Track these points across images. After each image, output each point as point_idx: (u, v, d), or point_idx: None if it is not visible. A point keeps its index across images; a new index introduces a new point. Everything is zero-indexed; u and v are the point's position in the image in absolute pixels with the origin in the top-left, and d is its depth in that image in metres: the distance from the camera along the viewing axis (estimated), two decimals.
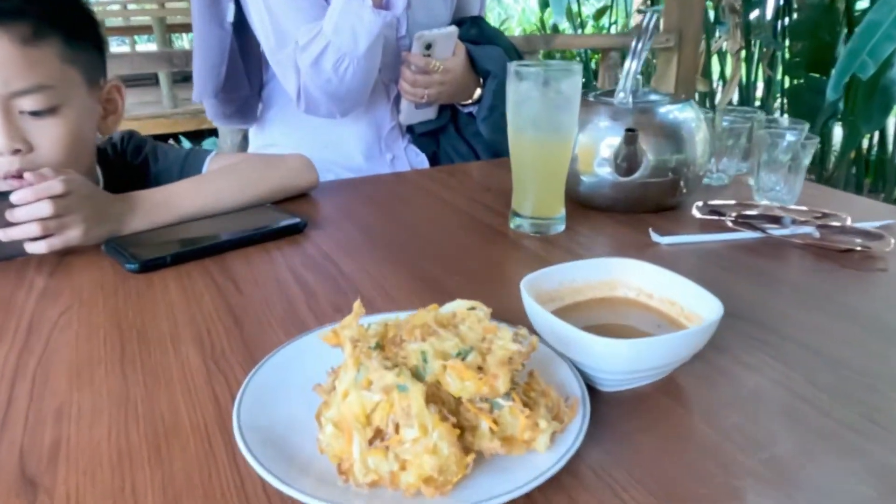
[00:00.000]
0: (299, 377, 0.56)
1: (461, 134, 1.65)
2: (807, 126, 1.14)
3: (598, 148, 0.99)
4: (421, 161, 1.53)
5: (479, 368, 0.47)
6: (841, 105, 3.48)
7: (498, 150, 1.60)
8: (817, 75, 3.55)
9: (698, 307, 0.62)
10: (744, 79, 4.09)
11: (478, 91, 1.53)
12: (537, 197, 0.94)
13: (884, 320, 0.71)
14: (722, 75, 4.65)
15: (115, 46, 5.34)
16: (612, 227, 0.98)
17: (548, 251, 0.89)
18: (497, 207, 1.06)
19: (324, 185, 1.18)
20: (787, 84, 3.97)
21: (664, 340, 0.54)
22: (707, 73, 4.17)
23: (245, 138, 1.90)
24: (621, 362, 0.55)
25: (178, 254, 0.84)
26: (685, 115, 1.01)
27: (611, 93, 1.03)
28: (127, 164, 1.13)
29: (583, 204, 1.04)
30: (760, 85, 4.34)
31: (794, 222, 0.93)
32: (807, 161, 1.05)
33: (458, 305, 0.54)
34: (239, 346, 0.66)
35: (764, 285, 0.80)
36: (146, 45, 7.56)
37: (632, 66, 0.98)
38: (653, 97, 1.05)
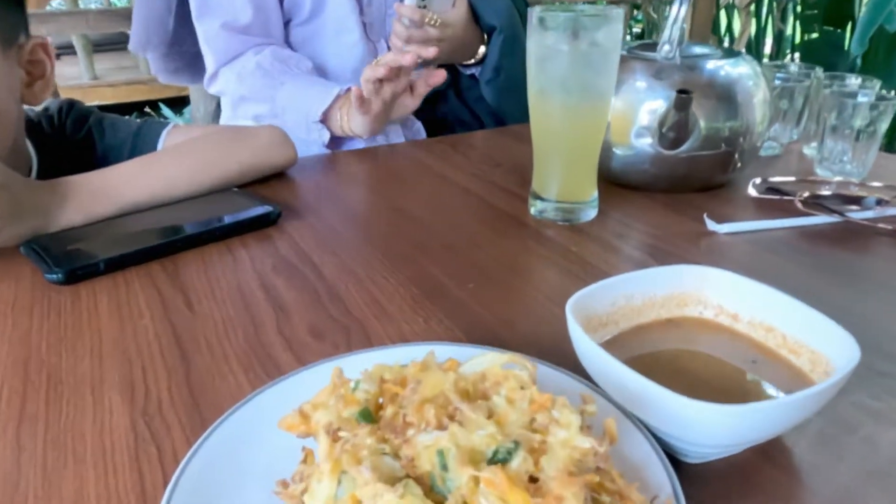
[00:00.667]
0: (260, 458, 0.39)
1: (462, 99, 1.46)
2: (878, 84, 0.96)
3: (637, 114, 0.81)
4: (417, 130, 1.34)
5: (532, 480, 0.29)
6: (859, 61, 3.27)
7: (504, 116, 1.42)
8: (832, 28, 3.34)
9: (807, 335, 0.45)
10: (752, 33, 3.87)
11: (481, 49, 1.33)
12: (565, 177, 0.77)
13: None
14: (729, 29, 4.42)
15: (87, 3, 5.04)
16: (654, 211, 0.81)
17: (580, 245, 0.72)
18: (511, 187, 0.88)
19: (303, 161, 0.99)
20: (798, 38, 3.75)
21: (789, 403, 0.37)
22: (715, 29, 3.95)
23: (219, 105, 1.70)
24: (724, 433, 0.39)
25: (114, 258, 0.66)
26: (740, 70, 0.83)
27: (649, 45, 0.85)
28: (67, 141, 0.94)
29: (614, 182, 0.87)
30: (768, 41, 4.12)
31: (879, 203, 0.76)
32: (884, 126, 0.87)
33: (490, 362, 0.36)
34: (182, 393, 0.48)
35: (866, 291, 0.63)
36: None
37: (680, 10, 0.79)
38: (698, 50, 0.87)
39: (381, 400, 0.38)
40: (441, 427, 0.31)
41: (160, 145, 0.92)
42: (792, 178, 0.86)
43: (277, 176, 0.93)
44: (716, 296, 0.51)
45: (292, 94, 1.12)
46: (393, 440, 0.32)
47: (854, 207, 0.77)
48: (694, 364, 0.47)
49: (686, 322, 0.51)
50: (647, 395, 0.39)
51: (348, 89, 1.08)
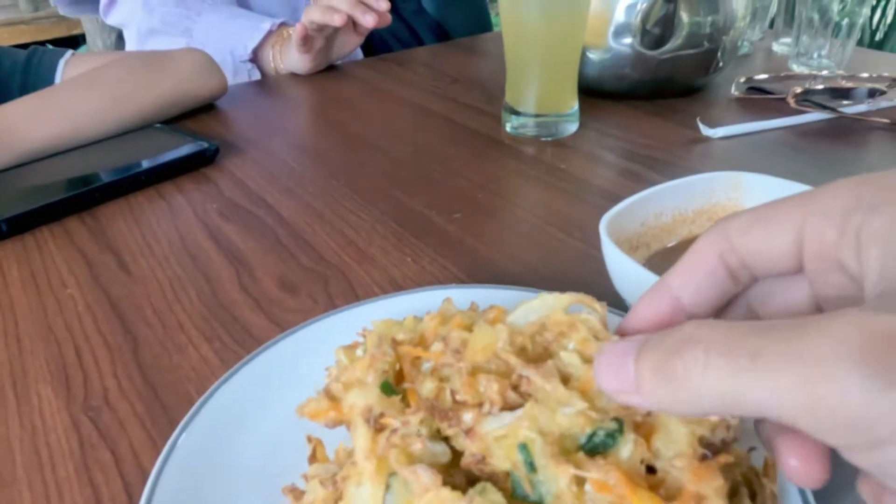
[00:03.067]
0: (252, 453, 0.31)
1: (398, 14, 1.33)
2: None
3: (613, 11, 0.72)
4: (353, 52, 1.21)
5: (649, 470, 0.22)
6: None
7: (447, 28, 1.30)
8: None
9: None
10: None
11: None
12: (544, 87, 0.68)
13: None
14: None
15: None
16: (638, 119, 0.74)
17: (567, 162, 0.64)
18: (475, 104, 0.79)
19: (233, 90, 0.87)
20: None
21: None
22: None
23: (121, 37, 1.50)
24: None
25: (20, 216, 0.54)
26: None
27: None
28: None
29: (589, 91, 0.79)
30: None
31: (871, 95, 0.71)
32: (862, 17, 0.82)
33: (546, 306, 0.27)
34: (133, 377, 0.39)
35: None
36: None
37: None
38: None
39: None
40: (509, 406, 0.23)
41: (58, 78, 0.78)
42: (772, 76, 0.80)
43: (205, 108, 0.80)
44: (753, 203, 0.44)
45: (213, 28, 0.97)
46: (445, 428, 0.24)
47: (846, 102, 0.72)
48: None
49: None
50: None
51: (280, 24, 0.94)
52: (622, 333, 0.24)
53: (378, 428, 0.23)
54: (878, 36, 3.02)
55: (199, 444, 0.31)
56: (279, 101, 0.85)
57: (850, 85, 0.73)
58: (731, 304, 0.23)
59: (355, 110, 0.80)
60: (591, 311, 0.27)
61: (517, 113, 0.69)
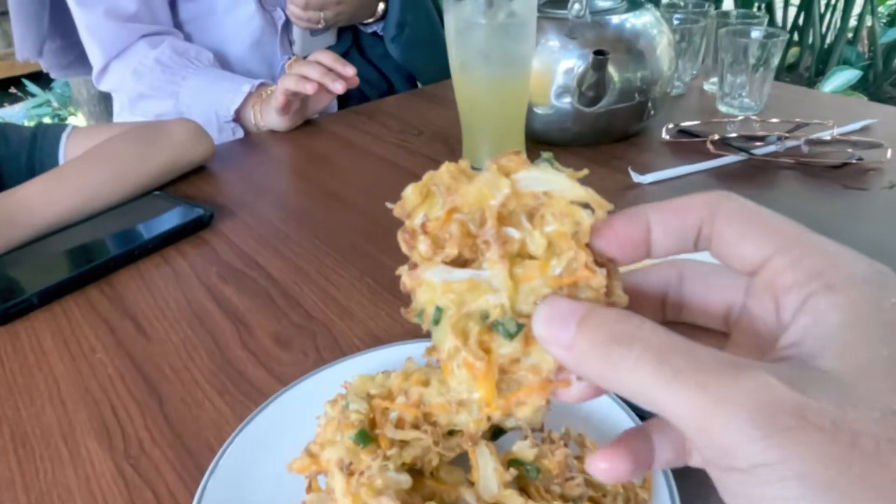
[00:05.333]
0: (265, 488, 0.40)
1: (367, 58, 1.43)
2: (766, 19, 1.02)
3: (554, 74, 0.83)
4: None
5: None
6: None
7: (414, 72, 1.40)
8: None
9: None
10: None
11: (381, 5, 1.31)
12: (494, 145, 0.78)
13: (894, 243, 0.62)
14: None
15: None
16: (581, 166, 0.84)
17: None
18: (439, 157, 0.89)
19: (221, 149, 0.96)
20: None
21: None
22: None
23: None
24: None
25: (49, 289, 0.63)
26: (644, 21, 0.86)
27: (558, 2, 0.86)
28: None
29: (539, 140, 0.89)
30: None
31: (780, 138, 0.82)
32: (776, 61, 0.93)
33: (559, 186, 0.25)
34: (162, 428, 0.48)
35: None
36: None
37: None
38: (604, 4, 0.89)
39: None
40: (458, 261, 0.25)
41: (61, 152, 0.86)
42: (698, 122, 0.91)
43: (196, 170, 0.89)
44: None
45: (198, 91, 1.06)
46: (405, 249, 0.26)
47: (758, 143, 0.83)
48: None
49: None
50: None
51: (259, 84, 1.03)
52: (594, 241, 0.24)
53: (350, 472, 0.33)
54: (829, 39, 3.18)
55: (223, 484, 0.40)
56: (263, 159, 0.95)
57: (761, 131, 0.85)
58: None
59: (332, 167, 0.90)
60: (591, 212, 0.25)
61: (474, 168, 0.79)
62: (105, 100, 1.54)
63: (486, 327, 0.24)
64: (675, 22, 1.03)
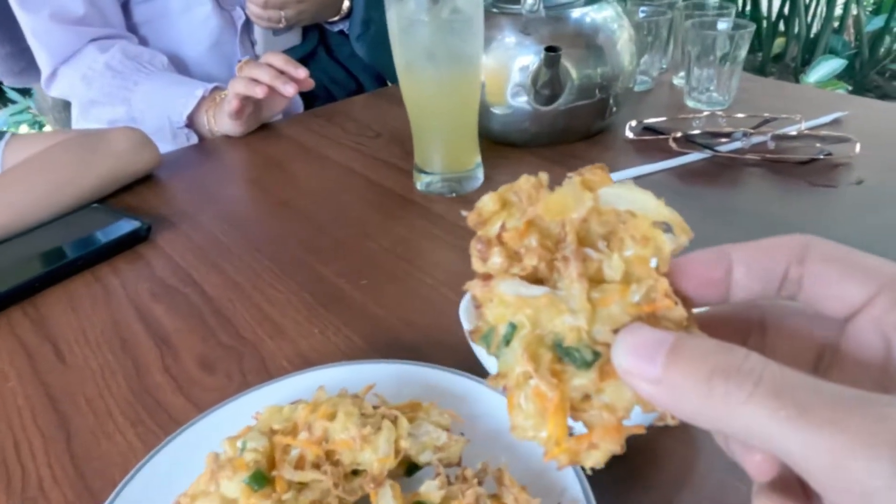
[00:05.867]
0: None
1: (334, 58, 1.40)
2: (734, 10, 0.98)
3: (510, 72, 0.79)
4: (294, 102, 1.27)
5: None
6: None
7: (381, 70, 1.37)
8: None
9: None
10: None
11: (345, 3, 1.27)
12: (447, 148, 0.75)
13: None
14: None
15: None
16: (540, 168, 0.79)
17: None
18: (394, 160, 0.86)
19: (169, 157, 0.92)
20: None
21: None
22: None
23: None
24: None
25: None
26: (604, 15, 0.83)
27: None
28: None
29: (497, 141, 0.86)
30: None
31: (745, 135, 0.79)
32: (743, 53, 0.90)
33: (644, 206, 0.24)
34: (65, 466, 0.45)
35: (732, 221, 0.66)
36: None
37: None
38: None
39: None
40: (536, 278, 0.23)
41: None
42: (664, 119, 0.88)
43: (143, 179, 0.85)
44: None
45: (150, 96, 1.02)
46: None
47: (723, 140, 0.80)
48: None
49: None
50: None
51: (213, 88, 1.00)
52: (668, 273, 0.23)
53: None
54: (815, 28, 3.15)
55: None
56: (214, 166, 0.91)
57: (726, 127, 0.81)
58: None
59: (284, 173, 0.86)
60: (674, 238, 0.24)
61: (425, 172, 0.76)
62: (69, 107, 1.50)
63: (558, 356, 0.22)
64: (641, 14, 0.99)
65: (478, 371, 0.44)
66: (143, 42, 1.16)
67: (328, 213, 0.74)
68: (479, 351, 0.43)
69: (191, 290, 0.63)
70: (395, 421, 0.37)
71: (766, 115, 0.84)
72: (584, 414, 0.22)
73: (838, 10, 3.03)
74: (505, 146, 0.85)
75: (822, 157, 0.76)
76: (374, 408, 0.38)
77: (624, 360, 0.20)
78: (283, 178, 0.85)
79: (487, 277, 0.23)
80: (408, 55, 0.69)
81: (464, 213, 0.25)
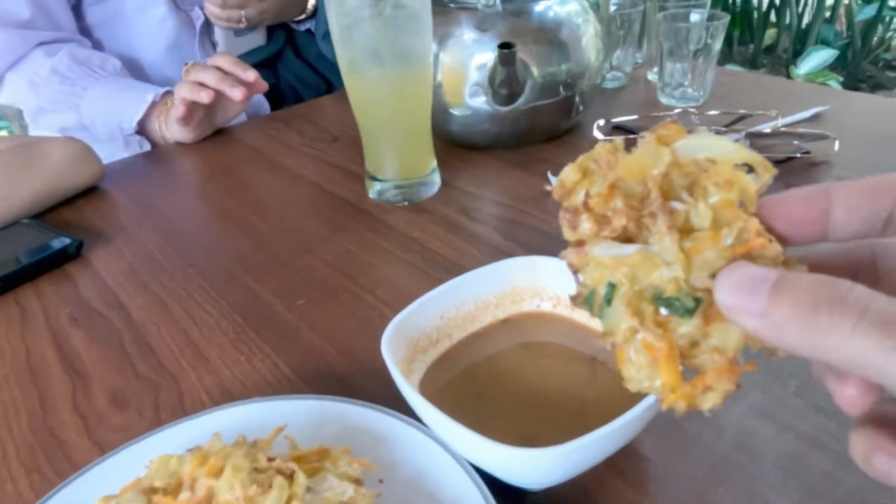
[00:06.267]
0: None
1: (302, 58, 1.35)
2: (708, 2, 0.94)
3: (467, 71, 0.75)
4: (259, 104, 1.22)
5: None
6: None
7: None
8: None
9: None
10: None
11: (311, 0, 1.22)
12: (398, 154, 0.70)
13: None
14: None
15: None
16: (500, 172, 0.76)
17: (422, 229, 0.66)
18: (349, 165, 0.81)
19: (114, 167, 0.88)
20: None
21: (617, 429, 0.33)
22: None
23: None
24: (555, 471, 0.35)
25: None
26: (568, 9, 0.78)
27: None
28: None
29: (457, 144, 0.81)
30: None
31: (718, 133, 0.74)
32: (718, 46, 0.85)
33: (722, 152, 0.24)
34: None
35: None
36: None
37: None
38: None
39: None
40: (626, 237, 0.24)
41: None
42: (635, 117, 0.83)
43: (86, 191, 0.81)
44: (552, 285, 0.46)
45: (100, 103, 0.97)
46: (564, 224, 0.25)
47: None
48: (532, 369, 0.43)
49: (524, 319, 0.47)
50: (474, 444, 0.34)
51: (165, 93, 0.95)
52: (761, 214, 0.23)
53: None
54: (807, 19, 3.10)
55: None
56: (160, 176, 0.86)
57: (698, 125, 0.76)
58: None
59: (231, 182, 0.81)
60: (757, 176, 0.24)
61: (377, 179, 0.71)
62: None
63: (660, 309, 0.23)
64: (613, 7, 0.95)
65: (405, 407, 0.39)
66: (98, 45, 1.11)
67: (270, 226, 0.70)
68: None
69: (115, 313, 0.58)
70: (291, 476, 0.32)
71: (741, 111, 0.80)
72: (695, 360, 0.23)
73: (829, 0, 2.98)
74: (465, 149, 0.80)
75: (799, 155, 0.71)
76: (269, 460, 0.33)
77: (728, 298, 0.21)
78: (229, 188, 0.80)
79: (580, 244, 0.24)
80: (350, 54, 0.64)
81: (548, 187, 0.27)
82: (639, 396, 0.37)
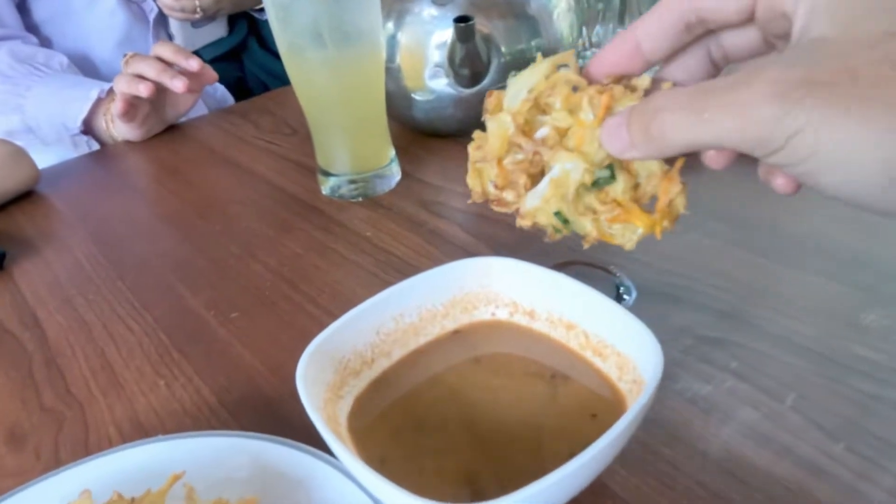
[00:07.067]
0: None
1: (268, 48, 1.28)
2: None
3: (427, 51, 0.68)
4: (222, 98, 1.16)
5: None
6: None
7: None
8: None
9: (609, 331, 0.35)
10: None
11: None
12: (350, 144, 0.63)
13: (859, 230, 0.48)
14: None
15: None
16: (464, 163, 0.69)
17: (377, 226, 0.59)
18: (305, 160, 0.74)
19: (58, 169, 0.81)
20: None
21: (581, 467, 0.27)
22: None
23: None
24: None
25: None
26: None
27: None
28: None
29: (422, 132, 0.74)
30: None
31: None
32: None
33: (532, 78, 0.31)
34: None
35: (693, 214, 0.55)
36: None
37: None
38: None
39: None
40: (533, 178, 0.30)
41: None
42: None
43: (23, 195, 0.74)
44: (507, 290, 0.40)
45: (44, 101, 0.90)
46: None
47: None
48: (484, 390, 0.37)
49: (477, 330, 0.40)
50: (402, 501, 0.27)
51: (111, 88, 0.88)
52: (589, 75, 0.30)
53: None
54: None
55: None
56: (103, 178, 0.80)
57: None
58: (688, 51, 0.29)
59: (180, 181, 0.75)
60: (564, 65, 0.31)
61: (330, 174, 0.65)
62: None
63: (590, 191, 0.29)
64: None
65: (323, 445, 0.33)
66: (46, 42, 1.04)
67: (214, 229, 0.63)
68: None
69: (29, 333, 0.52)
70: None
71: None
72: (644, 195, 0.29)
73: None
74: (429, 137, 0.74)
75: None
76: None
77: (612, 149, 0.27)
78: (175, 189, 0.73)
79: (518, 211, 0.31)
80: (289, 36, 0.58)
81: (470, 201, 0.33)
82: (607, 419, 0.31)
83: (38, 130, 0.93)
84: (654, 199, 0.29)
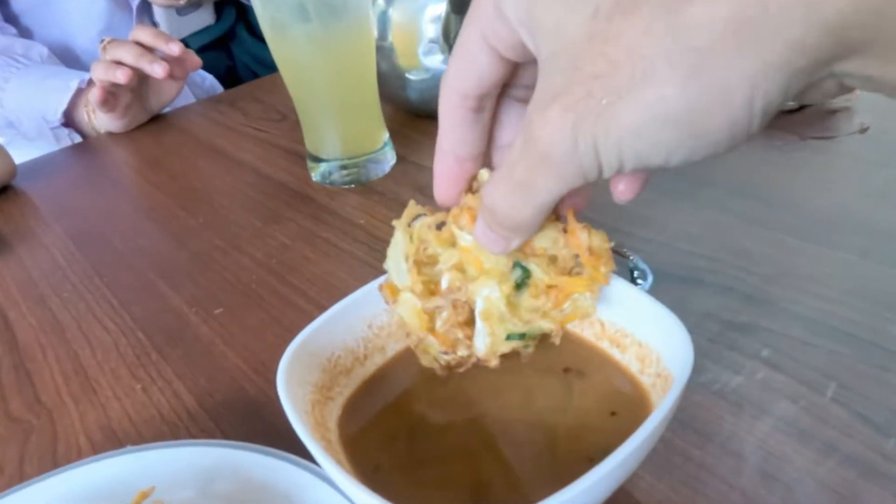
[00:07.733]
0: None
1: (258, 35, 1.24)
2: None
3: (420, 25, 0.64)
4: (210, 87, 1.12)
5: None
6: None
7: None
8: None
9: (627, 318, 0.32)
10: None
11: None
12: (341, 128, 0.60)
13: (869, 202, 0.44)
14: None
15: None
16: None
17: (370, 214, 0.56)
18: (295, 146, 0.70)
19: (37, 163, 0.77)
20: None
21: (603, 478, 0.23)
22: None
23: None
24: None
25: None
26: None
27: None
28: None
29: (417, 114, 0.71)
30: None
31: None
32: None
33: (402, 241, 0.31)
34: None
35: (708, 185, 0.51)
36: None
37: None
38: None
39: None
40: (473, 326, 0.30)
41: None
42: None
43: None
44: None
45: (23, 94, 0.86)
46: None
47: None
48: (491, 388, 0.33)
49: None
50: None
51: (91, 80, 0.84)
52: (445, 206, 0.30)
53: None
54: None
55: None
56: (83, 171, 0.76)
57: None
58: (500, 118, 0.28)
59: (164, 172, 0.71)
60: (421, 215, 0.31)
61: (320, 159, 0.61)
62: None
63: (520, 296, 0.29)
64: None
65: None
66: (27, 33, 1.00)
67: (198, 221, 0.59)
68: None
69: None
70: None
71: None
72: (565, 296, 0.29)
73: None
74: (424, 118, 0.70)
75: (814, 102, 0.60)
76: None
77: (494, 250, 0.27)
78: (158, 181, 0.69)
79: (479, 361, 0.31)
80: (270, 10, 0.54)
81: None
82: (629, 417, 0.28)
83: (19, 125, 0.89)
84: (577, 256, 0.28)
